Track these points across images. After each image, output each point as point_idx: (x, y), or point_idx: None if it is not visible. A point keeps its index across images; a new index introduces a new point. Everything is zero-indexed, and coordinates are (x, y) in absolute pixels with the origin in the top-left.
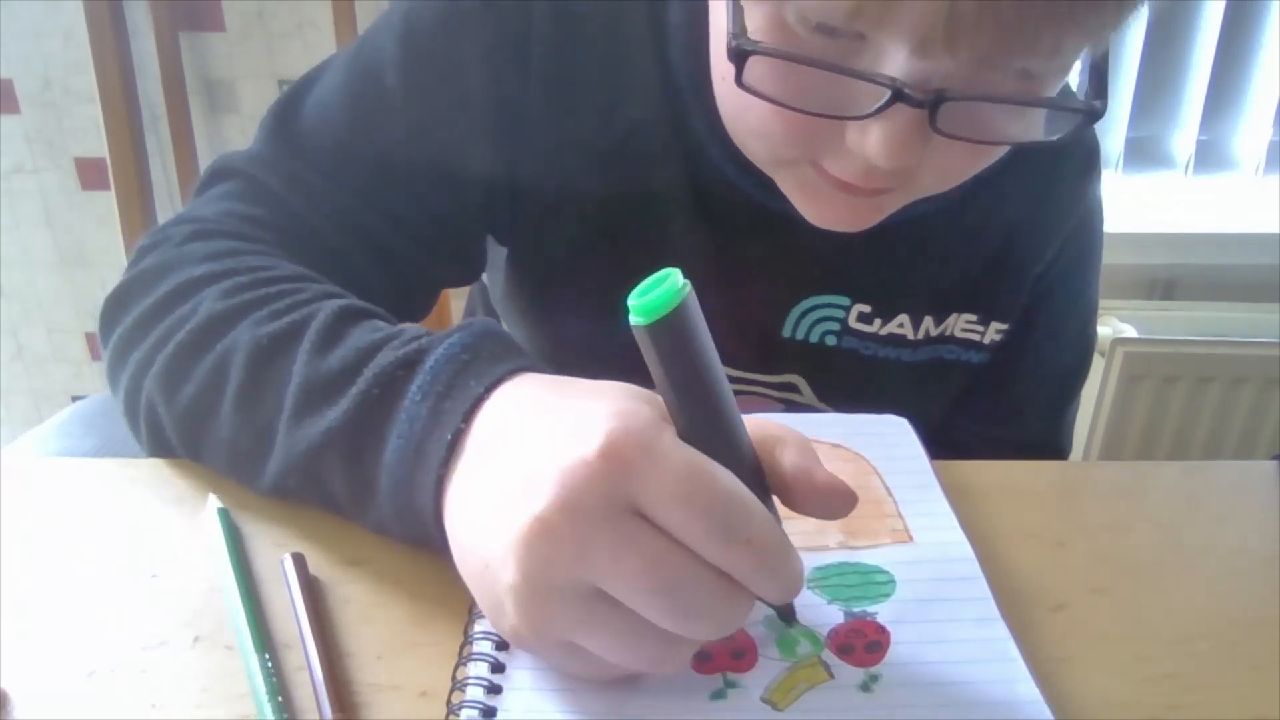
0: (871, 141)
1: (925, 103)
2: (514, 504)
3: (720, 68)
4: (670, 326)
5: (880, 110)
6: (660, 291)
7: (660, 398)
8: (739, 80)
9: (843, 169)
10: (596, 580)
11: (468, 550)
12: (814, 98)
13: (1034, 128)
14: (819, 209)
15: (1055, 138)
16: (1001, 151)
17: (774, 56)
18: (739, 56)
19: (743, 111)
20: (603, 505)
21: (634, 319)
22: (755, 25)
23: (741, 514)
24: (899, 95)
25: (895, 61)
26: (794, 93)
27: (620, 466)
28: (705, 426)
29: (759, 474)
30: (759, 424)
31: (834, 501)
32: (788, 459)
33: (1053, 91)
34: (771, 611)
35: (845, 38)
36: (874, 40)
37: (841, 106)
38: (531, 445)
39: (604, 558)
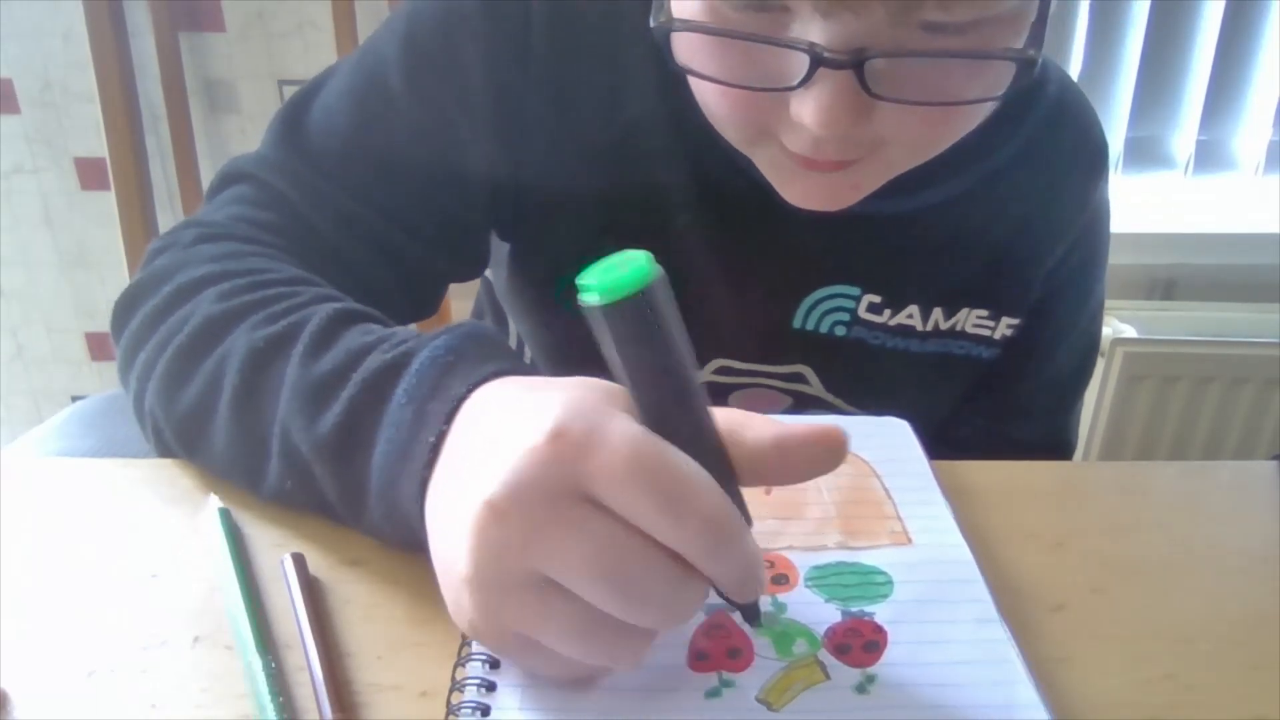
0: (807, 110)
1: (846, 63)
2: (468, 495)
3: None
4: (632, 309)
5: (808, 78)
6: (627, 270)
7: (624, 389)
8: (671, 60)
9: (796, 143)
10: (546, 568)
11: (437, 549)
12: (749, 73)
13: (990, 85)
14: (792, 188)
15: (1001, 93)
16: (973, 114)
17: (692, 31)
18: (663, 35)
19: (702, 96)
20: (550, 489)
21: (589, 298)
22: (691, 8)
23: (691, 489)
24: (819, 59)
25: (813, 27)
26: (730, 70)
27: (567, 449)
28: (665, 412)
29: (724, 461)
30: (721, 415)
31: (814, 451)
32: (750, 434)
33: (1014, 45)
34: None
35: (773, 11)
36: (796, 10)
37: (776, 79)
38: (491, 440)
39: (552, 543)
